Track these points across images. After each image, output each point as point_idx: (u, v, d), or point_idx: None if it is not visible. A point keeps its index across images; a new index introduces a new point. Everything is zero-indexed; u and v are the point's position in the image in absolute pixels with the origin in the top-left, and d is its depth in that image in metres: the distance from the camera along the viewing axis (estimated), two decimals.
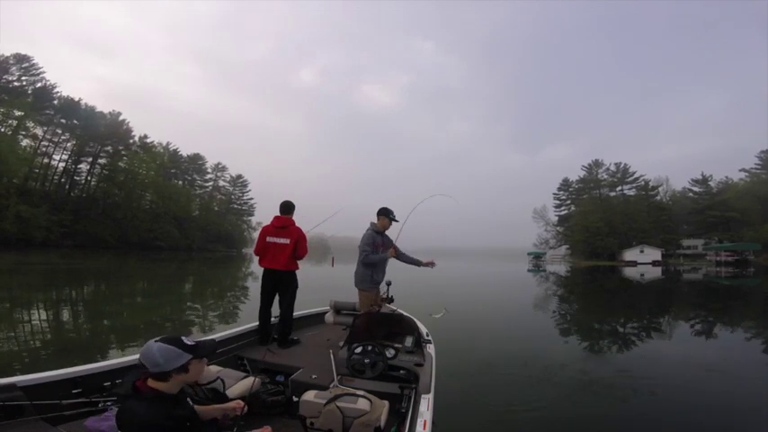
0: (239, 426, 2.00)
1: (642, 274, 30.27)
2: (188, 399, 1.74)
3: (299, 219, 4.25)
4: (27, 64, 50.21)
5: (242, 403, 2.04)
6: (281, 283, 4.02)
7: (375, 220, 4.27)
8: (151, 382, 1.54)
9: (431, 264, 4.47)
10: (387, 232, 4.34)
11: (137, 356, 2.79)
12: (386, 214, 4.21)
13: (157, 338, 1.58)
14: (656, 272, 34.32)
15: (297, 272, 4.15)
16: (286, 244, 3.98)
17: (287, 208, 4.16)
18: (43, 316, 8.39)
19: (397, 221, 4.29)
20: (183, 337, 1.63)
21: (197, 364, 1.62)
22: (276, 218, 4.12)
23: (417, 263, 4.44)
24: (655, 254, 56.36)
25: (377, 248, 4.17)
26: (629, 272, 34.43)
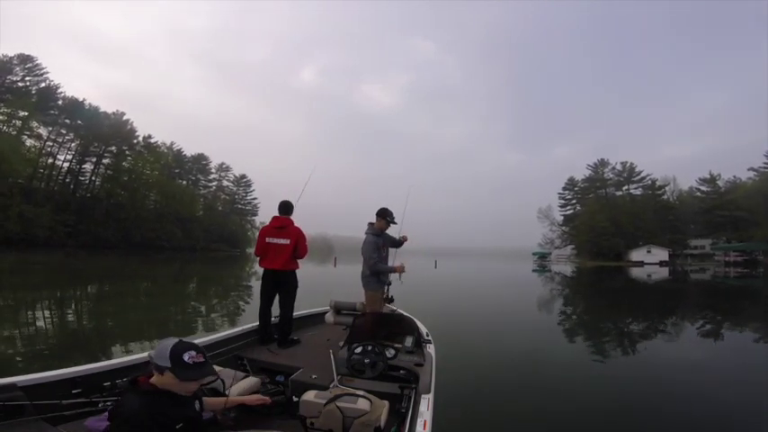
0: (238, 424, 2.00)
1: (649, 275, 30.00)
2: (196, 401, 1.71)
3: (301, 218, 4.26)
4: (31, 64, 50.61)
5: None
6: (281, 282, 4.02)
7: (374, 221, 4.29)
8: (153, 378, 1.56)
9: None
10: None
11: (137, 356, 2.82)
12: (383, 216, 4.24)
13: (183, 339, 1.65)
14: (664, 272, 33.99)
15: (297, 271, 4.15)
16: (286, 244, 3.98)
17: (286, 208, 4.16)
18: (44, 315, 8.46)
19: (395, 224, 4.34)
20: (192, 351, 1.59)
21: (171, 377, 1.53)
22: (275, 218, 4.12)
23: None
24: (662, 254, 55.87)
25: (380, 250, 4.23)
26: (636, 272, 34.15)
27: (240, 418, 2.37)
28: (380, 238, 4.26)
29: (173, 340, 1.60)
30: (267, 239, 4.01)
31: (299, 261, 4.16)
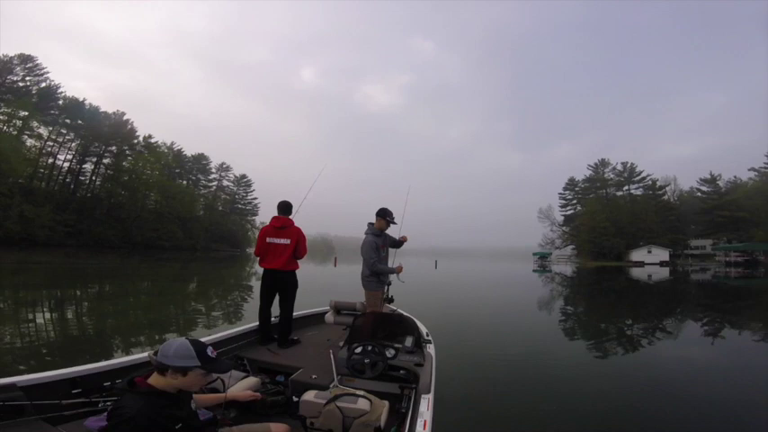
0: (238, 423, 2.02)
1: (650, 275, 29.96)
2: (191, 401, 1.73)
3: (302, 218, 4.27)
4: (31, 64, 50.64)
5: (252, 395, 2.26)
6: (281, 282, 4.02)
7: (373, 221, 4.30)
8: (151, 379, 1.56)
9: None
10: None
11: (137, 356, 2.82)
12: (383, 216, 4.24)
13: (188, 338, 1.66)
14: (664, 272, 33.95)
15: (296, 271, 4.15)
16: (286, 244, 3.98)
17: (285, 208, 4.15)
18: (44, 315, 8.45)
19: (395, 224, 4.35)
20: (210, 347, 1.66)
21: (198, 375, 1.60)
22: (275, 218, 4.11)
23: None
24: (662, 254, 55.82)
25: (379, 249, 4.24)
26: (637, 272, 34.11)
27: (240, 418, 2.37)
28: (380, 238, 4.27)
29: (184, 340, 1.61)
30: (267, 239, 4.01)
31: (298, 261, 4.16)
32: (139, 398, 1.48)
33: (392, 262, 4.57)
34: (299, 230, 4.07)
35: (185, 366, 1.55)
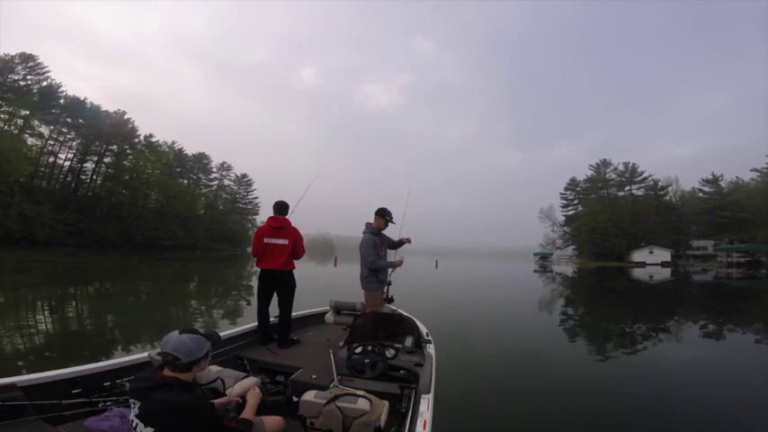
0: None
1: (651, 276, 29.93)
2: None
3: (302, 217, 4.27)
4: (32, 63, 50.68)
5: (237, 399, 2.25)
6: (279, 282, 4.01)
7: (372, 221, 4.30)
8: (169, 373, 1.58)
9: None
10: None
11: (137, 356, 2.82)
12: (382, 215, 4.24)
13: (180, 331, 1.68)
14: (666, 273, 33.91)
15: (294, 271, 4.15)
16: (285, 244, 3.97)
17: (282, 208, 4.13)
18: (44, 314, 8.48)
19: (393, 223, 4.34)
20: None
21: (208, 360, 1.73)
22: (272, 218, 4.09)
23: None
24: (664, 255, 55.68)
25: (377, 249, 4.22)
26: (638, 273, 34.08)
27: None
28: (378, 237, 4.26)
29: (184, 334, 1.65)
30: (265, 240, 3.99)
31: (295, 262, 4.15)
32: (178, 390, 1.53)
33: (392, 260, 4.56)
34: (296, 231, 4.07)
35: (207, 352, 1.64)
